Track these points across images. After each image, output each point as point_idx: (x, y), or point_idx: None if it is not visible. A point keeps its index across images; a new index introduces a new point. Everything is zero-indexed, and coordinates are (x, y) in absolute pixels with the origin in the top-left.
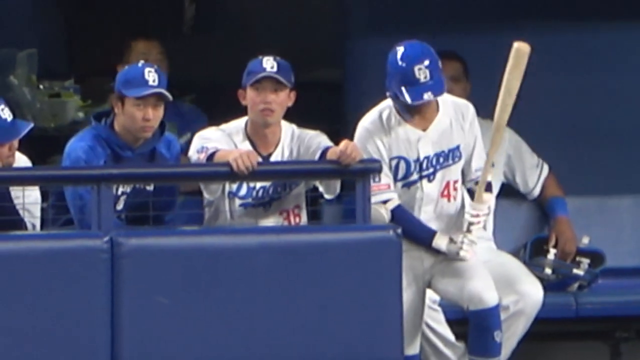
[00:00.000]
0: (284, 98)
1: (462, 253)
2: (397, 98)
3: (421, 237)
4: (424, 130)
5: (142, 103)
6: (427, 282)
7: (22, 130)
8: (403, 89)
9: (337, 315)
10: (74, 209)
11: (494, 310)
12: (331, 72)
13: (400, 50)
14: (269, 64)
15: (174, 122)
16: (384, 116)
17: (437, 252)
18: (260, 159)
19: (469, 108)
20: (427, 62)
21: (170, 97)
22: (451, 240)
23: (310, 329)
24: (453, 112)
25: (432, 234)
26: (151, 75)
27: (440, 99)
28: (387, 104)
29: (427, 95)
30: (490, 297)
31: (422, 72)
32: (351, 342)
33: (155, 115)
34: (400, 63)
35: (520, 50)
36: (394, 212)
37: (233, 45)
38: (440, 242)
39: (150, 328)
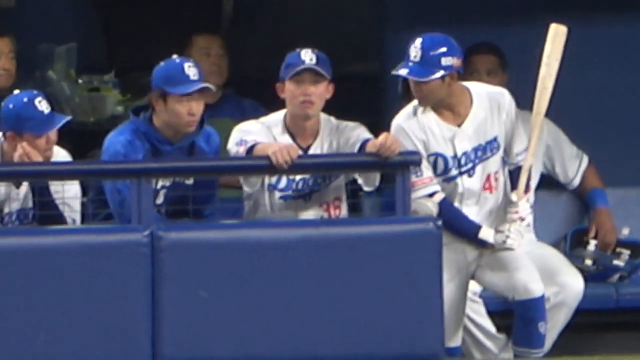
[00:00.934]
0: (323, 90)
1: (509, 242)
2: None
3: (467, 231)
4: (459, 126)
5: (186, 99)
6: (470, 274)
7: (59, 122)
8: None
9: (378, 308)
10: (113, 204)
11: (539, 301)
12: (369, 65)
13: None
14: (307, 56)
15: (235, 117)
16: (419, 114)
17: (482, 244)
18: (300, 152)
19: (505, 95)
20: (422, 42)
21: (214, 89)
22: (497, 231)
23: (351, 322)
24: (488, 103)
25: (478, 227)
26: (192, 70)
27: (474, 91)
28: None
29: (401, 71)
30: (536, 287)
31: (413, 50)
32: (392, 335)
33: (199, 109)
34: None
35: (558, 31)
36: (440, 205)
37: (271, 40)
38: (487, 234)
39: (191, 322)
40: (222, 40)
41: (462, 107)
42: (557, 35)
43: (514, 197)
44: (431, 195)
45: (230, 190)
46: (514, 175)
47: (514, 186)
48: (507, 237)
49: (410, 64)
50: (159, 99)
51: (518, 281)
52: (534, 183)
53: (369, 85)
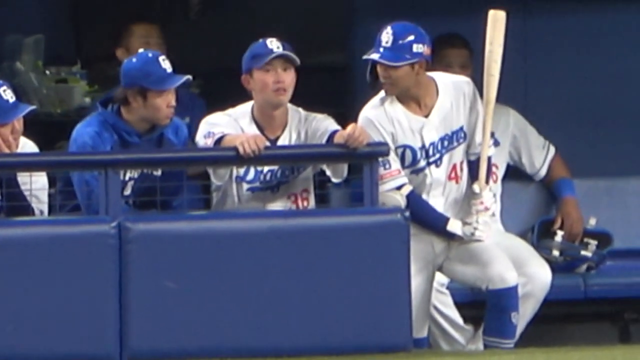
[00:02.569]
0: (293, 77)
1: (477, 233)
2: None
3: (435, 223)
4: (426, 116)
5: (165, 92)
6: (437, 266)
7: (22, 111)
8: (370, 51)
9: (345, 299)
10: (80, 195)
11: (513, 290)
12: (337, 56)
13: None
14: (274, 44)
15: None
16: (386, 105)
17: (450, 236)
18: (267, 143)
19: (469, 84)
20: (394, 28)
21: (191, 79)
22: (465, 223)
23: (318, 313)
24: (453, 92)
25: (446, 219)
26: (166, 63)
27: (439, 81)
28: None
29: (373, 55)
30: (511, 276)
31: (385, 36)
32: (360, 325)
33: (174, 100)
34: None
35: (497, 16)
36: (407, 197)
37: (239, 30)
38: (455, 226)
39: (158, 313)
40: (161, 31)
41: (428, 98)
42: (496, 21)
43: (476, 187)
44: (399, 188)
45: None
46: (473, 166)
47: (474, 177)
48: (475, 228)
49: (381, 49)
50: (137, 96)
51: (493, 270)
52: (500, 173)
53: (336, 76)
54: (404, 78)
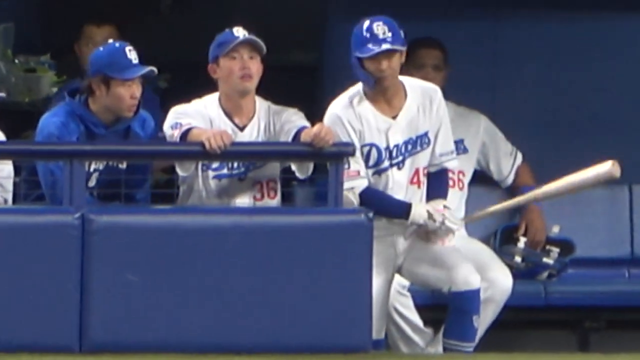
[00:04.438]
0: (259, 65)
1: (442, 230)
2: (359, 69)
3: (397, 213)
4: (394, 118)
5: (129, 82)
6: (397, 267)
7: None
8: (364, 48)
9: (306, 298)
10: (45, 185)
11: (476, 293)
12: (307, 54)
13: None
14: (240, 32)
15: None
16: (355, 103)
17: (415, 228)
18: (234, 136)
19: (437, 92)
20: (382, 21)
21: (156, 71)
22: (430, 216)
23: (280, 311)
24: (421, 97)
25: (408, 206)
26: (132, 54)
27: (408, 85)
28: (357, 89)
29: (384, 46)
30: (475, 279)
31: (380, 28)
32: (320, 325)
33: (139, 92)
34: (359, 29)
35: (610, 174)
36: (363, 194)
37: (210, 25)
38: (418, 216)
39: (119, 305)
40: (114, 30)
41: (397, 99)
42: (606, 176)
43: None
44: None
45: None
46: (432, 178)
47: (433, 189)
48: (439, 227)
49: (386, 39)
50: (100, 84)
51: (457, 273)
52: (466, 180)
53: (307, 75)
54: (398, 67)
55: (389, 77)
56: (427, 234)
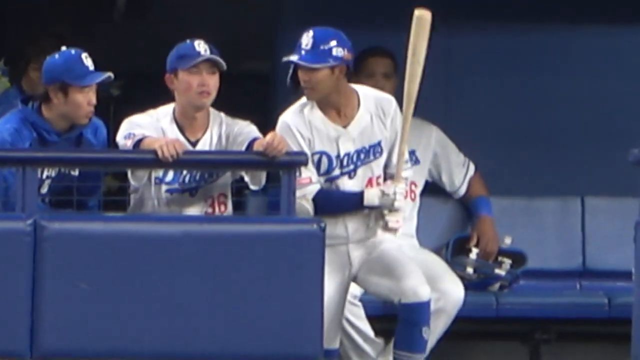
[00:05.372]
0: (217, 81)
1: (396, 204)
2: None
3: (352, 203)
4: (345, 127)
5: (86, 89)
6: (352, 276)
7: None
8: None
9: (258, 307)
10: None
11: (425, 305)
12: (260, 64)
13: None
14: (202, 47)
15: None
16: (306, 111)
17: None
18: (187, 147)
19: (391, 103)
20: (314, 32)
21: (113, 77)
22: (383, 194)
23: (231, 320)
24: (374, 107)
25: (360, 194)
26: (89, 61)
27: (362, 94)
28: None
29: (292, 57)
30: (424, 291)
31: (305, 39)
32: (271, 334)
33: (95, 98)
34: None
35: (422, 17)
36: (316, 198)
37: (163, 33)
38: (371, 197)
39: (71, 312)
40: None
41: (349, 108)
42: (421, 22)
43: (390, 188)
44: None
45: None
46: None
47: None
48: (394, 199)
49: (302, 52)
50: (58, 92)
51: (406, 284)
52: (418, 191)
53: (259, 83)
54: (323, 82)
55: (309, 90)
56: (383, 220)
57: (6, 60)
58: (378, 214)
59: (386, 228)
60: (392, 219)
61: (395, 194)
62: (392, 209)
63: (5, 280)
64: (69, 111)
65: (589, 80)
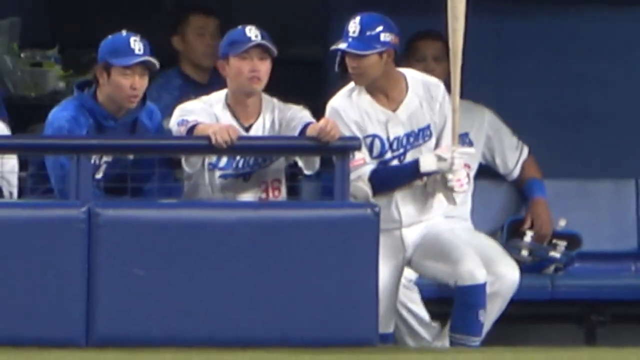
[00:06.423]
0: (269, 66)
1: (455, 166)
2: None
3: (408, 173)
4: (394, 111)
5: (129, 72)
6: (406, 261)
7: None
8: (339, 42)
9: (312, 293)
10: (55, 179)
11: (482, 288)
12: (312, 49)
13: None
14: (252, 32)
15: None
16: (354, 95)
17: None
18: (240, 133)
19: (439, 87)
20: (361, 18)
21: (157, 64)
22: (440, 158)
23: (286, 305)
24: (422, 90)
25: (416, 163)
26: (137, 44)
27: (410, 78)
28: None
29: (340, 45)
30: (480, 273)
31: (352, 26)
32: (327, 319)
33: (142, 83)
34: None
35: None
36: (372, 177)
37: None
38: (428, 163)
39: (126, 299)
40: (218, 22)
41: (397, 92)
42: None
43: (446, 151)
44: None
45: None
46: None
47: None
48: (452, 164)
49: (349, 39)
50: (102, 71)
51: (463, 267)
52: (472, 173)
53: (311, 69)
54: (372, 68)
55: (358, 76)
56: (444, 184)
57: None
58: (438, 182)
59: (450, 192)
60: (453, 180)
61: (453, 157)
62: (451, 172)
63: (60, 268)
64: (112, 93)
65: None
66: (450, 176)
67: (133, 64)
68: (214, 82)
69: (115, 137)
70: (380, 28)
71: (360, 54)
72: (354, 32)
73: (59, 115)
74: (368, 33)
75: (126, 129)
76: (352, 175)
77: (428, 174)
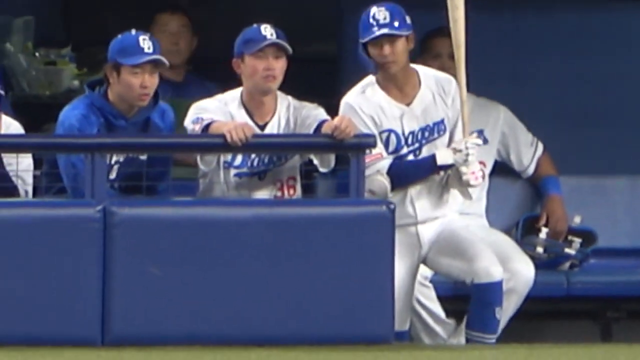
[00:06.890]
0: (284, 65)
1: (470, 159)
2: (364, 54)
3: (426, 167)
4: (408, 105)
5: (139, 71)
6: (422, 258)
7: None
8: (365, 33)
9: (328, 290)
10: (67, 178)
11: (498, 285)
12: (326, 46)
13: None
14: (267, 31)
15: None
16: (368, 91)
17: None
18: (255, 131)
19: (451, 82)
20: (385, 6)
21: (167, 63)
22: (455, 150)
23: (301, 303)
24: (435, 85)
25: (433, 157)
26: (146, 43)
27: (422, 73)
28: (370, 79)
29: (382, 30)
30: (496, 271)
31: (381, 14)
32: (342, 317)
33: (152, 82)
34: (364, 15)
35: None
36: (390, 171)
37: (229, 18)
38: (445, 157)
39: (141, 298)
40: (185, 19)
41: (410, 86)
42: None
43: (460, 143)
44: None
45: (184, 168)
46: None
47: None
48: (467, 154)
49: (384, 26)
50: (112, 71)
51: (479, 264)
52: (487, 170)
53: (326, 66)
54: (404, 53)
55: (393, 63)
56: (459, 179)
57: (73, 47)
58: (453, 178)
59: (465, 186)
60: (468, 173)
61: (467, 148)
62: (465, 165)
63: (75, 267)
64: (122, 92)
65: None
66: (464, 169)
67: (142, 63)
68: (190, 80)
69: (128, 136)
70: (403, 12)
71: (405, 34)
72: (384, 18)
73: (70, 114)
74: (398, 17)
75: (137, 128)
76: (370, 170)
77: (445, 168)
